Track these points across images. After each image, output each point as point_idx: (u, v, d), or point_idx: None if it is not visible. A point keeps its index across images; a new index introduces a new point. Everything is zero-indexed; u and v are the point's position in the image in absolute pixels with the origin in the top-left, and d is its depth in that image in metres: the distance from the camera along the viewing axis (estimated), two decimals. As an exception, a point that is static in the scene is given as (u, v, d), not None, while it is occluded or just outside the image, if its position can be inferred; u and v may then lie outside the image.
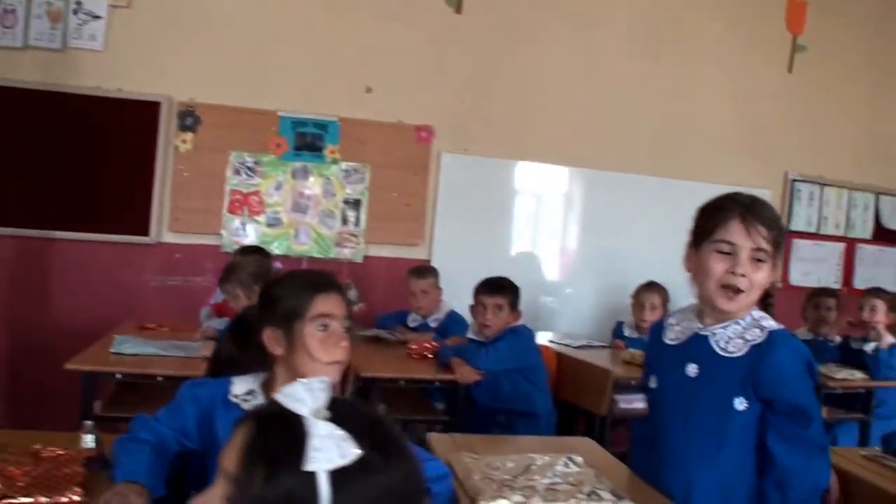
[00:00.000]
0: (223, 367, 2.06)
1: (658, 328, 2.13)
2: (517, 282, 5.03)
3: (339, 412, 0.94)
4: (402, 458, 0.95)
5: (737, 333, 1.90)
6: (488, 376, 3.56)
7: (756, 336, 1.88)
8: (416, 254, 5.05)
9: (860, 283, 6.00)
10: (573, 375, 4.07)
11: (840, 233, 6.21)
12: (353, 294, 4.85)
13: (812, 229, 6.10)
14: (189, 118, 4.66)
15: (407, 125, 5.01)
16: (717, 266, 1.86)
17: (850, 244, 6.24)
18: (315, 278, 1.88)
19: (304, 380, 0.97)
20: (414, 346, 3.82)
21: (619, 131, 5.48)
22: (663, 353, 2.07)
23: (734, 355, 1.89)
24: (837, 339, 4.72)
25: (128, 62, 4.60)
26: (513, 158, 5.23)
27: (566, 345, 4.56)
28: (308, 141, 4.83)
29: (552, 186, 5.43)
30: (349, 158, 4.91)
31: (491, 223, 5.23)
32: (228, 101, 4.72)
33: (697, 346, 1.96)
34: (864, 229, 6.29)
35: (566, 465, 2.11)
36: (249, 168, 4.75)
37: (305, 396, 0.95)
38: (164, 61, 4.65)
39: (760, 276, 1.84)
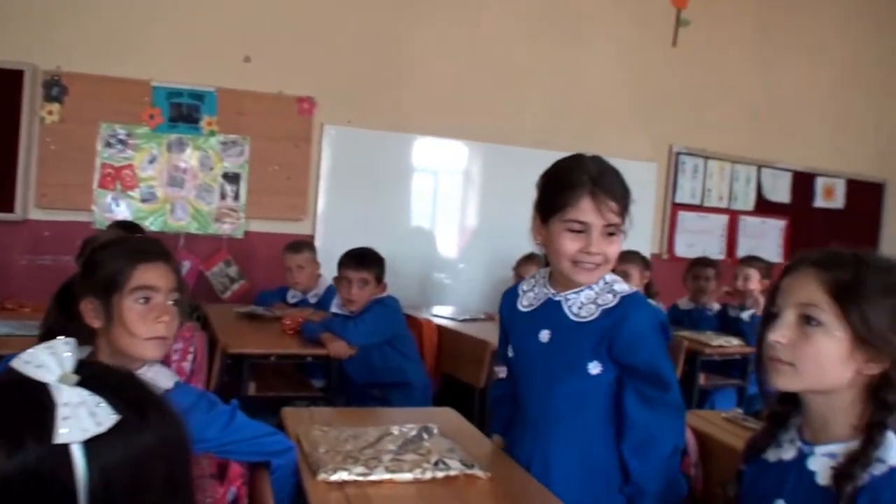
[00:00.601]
0: (50, 338, 1.94)
1: (512, 295, 2.09)
2: (409, 258, 5.02)
3: (88, 375, 0.85)
4: (160, 413, 0.88)
5: (589, 299, 1.87)
6: (359, 350, 3.49)
7: (608, 301, 1.85)
8: (298, 229, 4.93)
9: (743, 253, 6.11)
10: (454, 349, 4.03)
11: (723, 205, 6.35)
12: (233, 270, 4.73)
13: (696, 201, 6.22)
14: (55, 88, 4.43)
15: (288, 96, 4.87)
16: (570, 245, 1.81)
17: (734, 216, 6.39)
18: (139, 245, 1.76)
19: (47, 343, 0.88)
20: (287, 322, 3.71)
21: (509, 105, 5.46)
22: (517, 319, 2.04)
23: (586, 320, 1.85)
24: (716, 307, 4.82)
25: (-14, 28, 4.35)
26: (398, 131, 5.15)
27: (451, 318, 4.52)
28: (184, 112, 4.65)
29: (441, 160, 5.38)
30: (227, 130, 4.75)
31: (377, 197, 5.13)
32: (98, 70, 4.49)
33: (550, 311, 1.92)
34: (747, 201, 6.44)
35: (420, 436, 2.05)
36: (121, 140, 4.55)
37: (49, 361, 0.86)
38: (28, 27, 4.41)
39: (613, 249, 1.83)
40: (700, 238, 6.19)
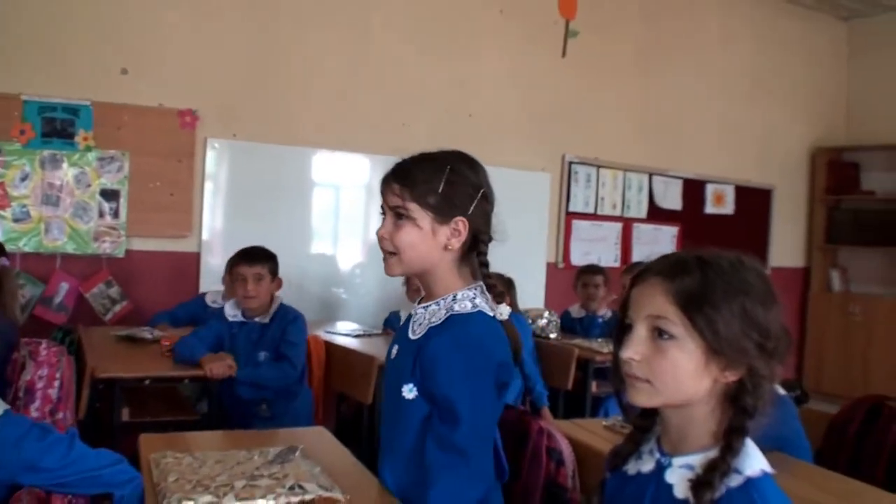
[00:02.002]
0: None
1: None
2: (305, 274, 4.93)
3: None
4: None
5: (430, 314, 1.75)
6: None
7: (439, 318, 1.73)
8: (183, 246, 4.78)
9: (638, 260, 6.23)
10: (343, 365, 3.95)
11: (617, 213, 6.43)
12: (114, 291, 4.55)
13: (590, 210, 6.28)
14: (-86, 102, 4.19)
15: (169, 109, 4.70)
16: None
17: (627, 223, 6.48)
18: None
19: None
20: (166, 343, 3.57)
21: (401, 118, 5.41)
22: (394, 338, 1.98)
23: (416, 337, 1.74)
24: (607, 314, 4.86)
25: None
26: (286, 144, 5.03)
27: (343, 334, 4.44)
28: (57, 127, 4.45)
29: (333, 172, 5.29)
30: (105, 146, 4.55)
31: (267, 212, 5.00)
32: (-38, 85, 4.27)
33: (406, 326, 1.84)
34: (640, 209, 6.55)
35: (281, 459, 1.97)
36: (-11, 157, 4.33)
37: None
38: None
39: (403, 236, 1.72)
40: (595, 246, 6.25)
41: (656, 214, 6.61)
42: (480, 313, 1.73)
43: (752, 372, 1.24)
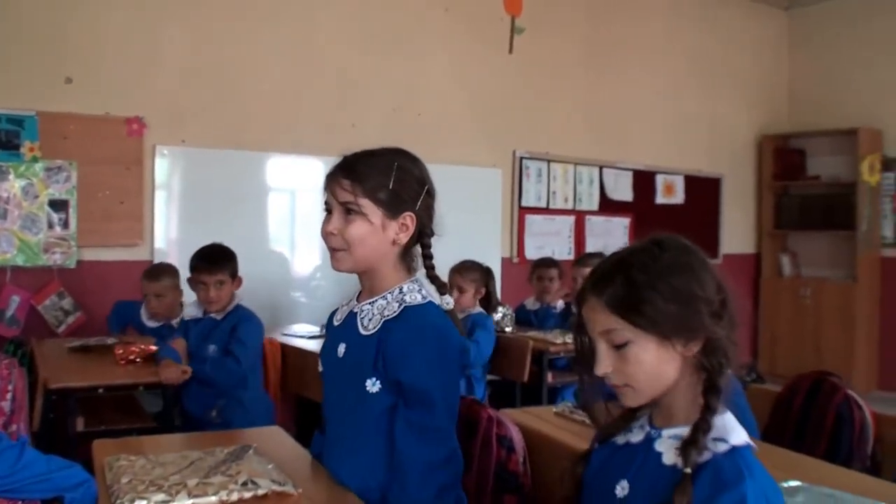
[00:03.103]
0: None
1: (333, 311, 2.04)
2: (261, 278, 4.94)
3: None
4: None
5: (379, 310, 1.80)
6: (193, 373, 3.39)
7: (393, 311, 1.78)
8: (136, 254, 4.75)
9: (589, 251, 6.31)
10: (299, 367, 3.96)
11: (569, 206, 6.51)
12: (67, 303, 4.52)
13: (542, 204, 6.35)
14: None
15: (116, 117, 4.68)
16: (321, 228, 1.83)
17: (580, 216, 6.56)
18: None
19: None
20: (119, 351, 3.55)
21: (347, 117, 5.42)
22: (329, 335, 2.00)
23: (370, 332, 1.78)
24: (561, 305, 4.93)
25: None
26: (235, 148, 5.01)
27: (298, 336, 4.45)
28: (2, 138, 4.40)
29: (285, 176, 5.30)
30: (51, 156, 4.51)
31: (221, 217, 4.97)
32: None
33: (350, 325, 1.86)
34: (591, 201, 6.63)
35: (234, 457, 1.99)
36: (-67, 172, 4.27)
37: None
38: None
39: (354, 230, 1.76)
40: (548, 240, 6.32)
41: (608, 206, 6.70)
42: (431, 303, 1.80)
43: (709, 336, 1.33)
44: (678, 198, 7.15)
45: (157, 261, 4.74)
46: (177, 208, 4.92)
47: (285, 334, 4.47)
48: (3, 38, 4.40)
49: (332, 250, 1.83)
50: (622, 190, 6.78)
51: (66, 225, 4.56)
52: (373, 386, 1.75)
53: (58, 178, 4.54)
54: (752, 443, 1.33)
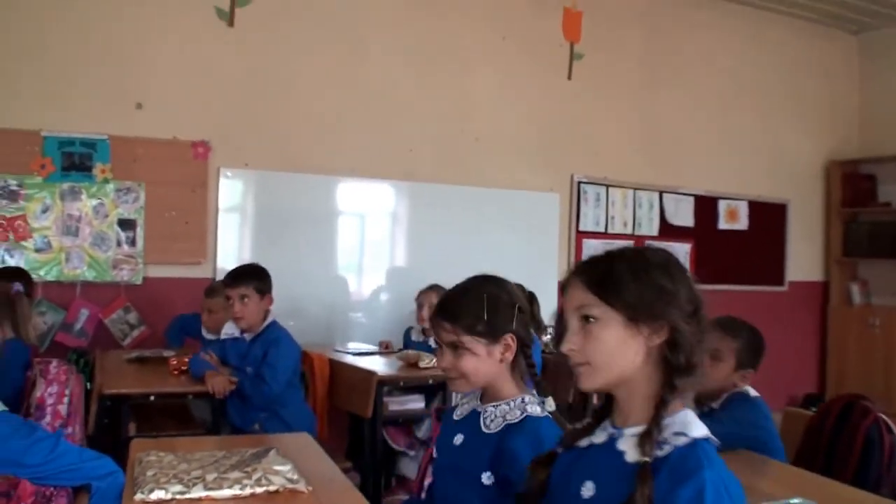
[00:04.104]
0: None
1: (454, 407, 2.16)
2: (316, 298, 5.07)
3: None
4: None
5: (502, 413, 1.93)
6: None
7: (515, 417, 1.91)
8: (199, 273, 4.95)
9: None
10: (345, 381, 4.07)
11: (628, 231, 6.50)
12: (132, 317, 4.73)
13: (600, 229, 6.36)
14: (-59, 140, 4.43)
15: (182, 141, 4.91)
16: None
17: (639, 241, 6.52)
18: None
19: None
20: (173, 362, 3.73)
21: (407, 143, 5.56)
22: (446, 426, 2.11)
23: (491, 431, 1.92)
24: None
25: None
26: (294, 171, 5.20)
27: (348, 352, 4.57)
28: (76, 161, 4.66)
29: (342, 199, 5.45)
30: (122, 177, 4.76)
31: (280, 238, 5.17)
32: (-14, 122, 4.51)
33: (471, 421, 2.00)
34: (651, 226, 6.61)
35: (256, 457, 2.09)
36: (12, 191, 4.54)
37: None
38: (-89, 81, 4.42)
39: (465, 365, 1.93)
40: (606, 264, 6.30)
41: (668, 231, 6.67)
42: (548, 418, 1.93)
43: (675, 330, 1.39)
44: (742, 224, 7.07)
45: (219, 279, 4.93)
46: (239, 229, 5.11)
47: (337, 350, 4.58)
48: (79, 66, 4.67)
49: (450, 381, 2.02)
50: (683, 215, 6.74)
51: (133, 243, 4.79)
52: (488, 479, 1.88)
53: (127, 198, 4.78)
54: (713, 438, 1.37)
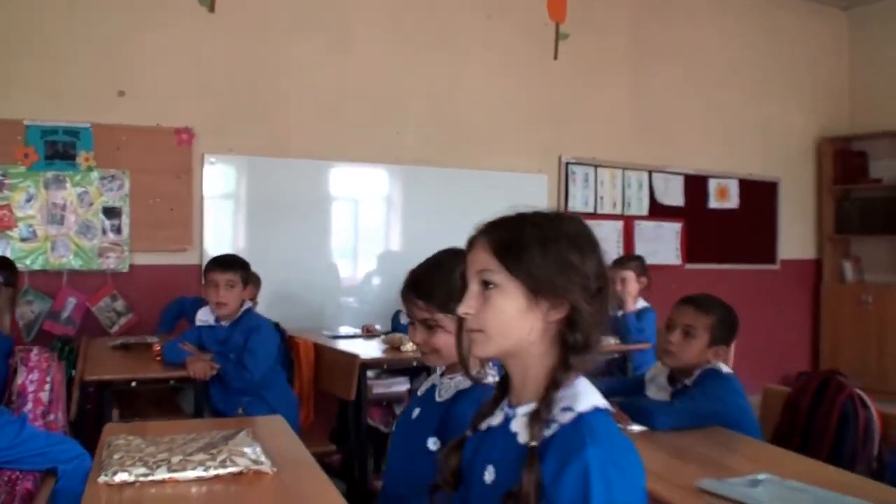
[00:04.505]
0: None
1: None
2: (303, 284, 5.08)
3: None
4: None
5: (456, 383, 1.93)
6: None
7: (467, 384, 1.89)
8: (185, 259, 4.95)
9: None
10: (329, 365, 4.08)
11: (617, 211, 6.49)
12: (119, 304, 4.74)
13: (589, 209, 6.34)
14: (-77, 131, 4.43)
15: (166, 128, 4.90)
16: None
17: (629, 221, 6.54)
18: None
19: None
20: (156, 348, 3.74)
21: (391, 124, 5.55)
22: (409, 404, 2.12)
23: (443, 400, 1.92)
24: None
25: None
26: (280, 156, 5.19)
27: (339, 336, 4.58)
28: (59, 149, 4.66)
29: (328, 183, 5.44)
30: (106, 165, 4.75)
31: (267, 224, 5.17)
32: (-33, 112, 4.50)
33: (428, 393, 2.01)
34: (641, 206, 6.60)
35: (225, 440, 2.09)
36: (-4, 181, 4.55)
37: None
38: None
39: (437, 342, 1.91)
40: (596, 245, 6.28)
41: (658, 211, 6.66)
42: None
43: (575, 309, 1.34)
44: (732, 202, 7.06)
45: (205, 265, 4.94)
46: (224, 215, 5.11)
47: (324, 334, 4.59)
48: (60, 54, 4.66)
49: (423, 355, 2.01)
50: (673, 194, 6.74)
51: (119, 231, 4.79)
52: (433, 445, 1.86)
53: (111, 186, 4.78)
54: (604, 406, 1.33)
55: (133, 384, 3.44)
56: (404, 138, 5.57)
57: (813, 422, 2.79)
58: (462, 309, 1.40)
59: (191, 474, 1.85)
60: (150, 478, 1.82)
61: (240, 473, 1.89)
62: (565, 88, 6.19)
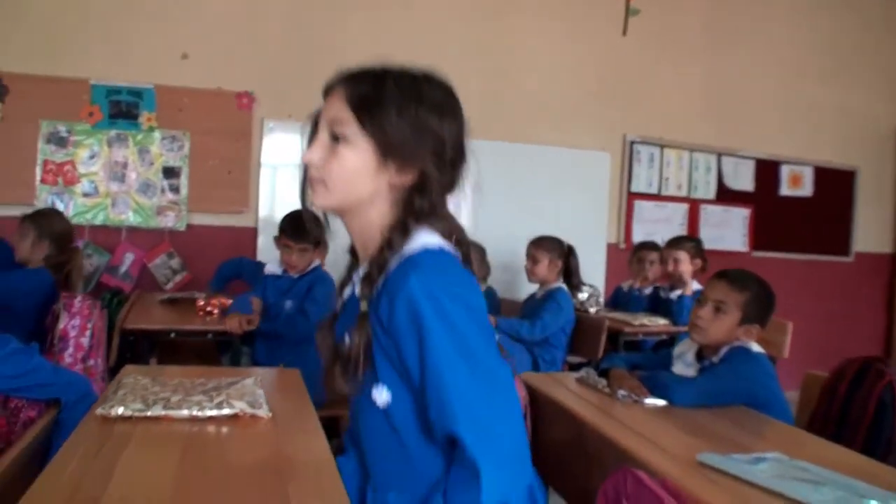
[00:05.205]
0: None
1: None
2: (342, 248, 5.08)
3: None
4: None
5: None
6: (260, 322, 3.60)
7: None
8: (241, 221, 5.04)
9: (706, 242, 5.97)
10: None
11: (683, 193, 6.34)
12: (175, 262, 4.84)
13: (653, 191, 6.22)
14: (-4, 88, 4.60)
15: (227, 91, 4.98)
16: None
17: (694, 204, 6.37)
18: None
19: None
20: (200, 303, 3.82)
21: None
22: None
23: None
24: (650, 289, 4.84)
25: (-72, 31, 4.53)
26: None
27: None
28: (123, 109, 4.78)
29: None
30: (167, 126, 4.87)
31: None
32: (37, 70, 4.63)
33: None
34: (708, 189, 6.43)
35: (230, 385, 2.12)
36: (62, 138, 4.69)
37: None
38: (-32, 31, 4.58)
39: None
40: (658, 227, 6.17)
41: (726, 196, 6.48)
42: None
43: (424, 175, 1.32)
44: (806, 190, 6.81)
45: (260, 228, 5.02)
46: (281, 179, 5.16)
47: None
48: (126, 16, 4.78)
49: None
50: (742, 179, 6.54)
51: (177, 191, 4.90)
52: None
53: (172, 146, 4.88)
54: (437, 246, 1.30)
55: (172, 335, 3.52)
56: (465, 111, 5.51)
57: (849, 409, 2.67)
58: (306, 156, 1.37)
59: (185, 413, 1.87)
60: (146, 413, 1.85)
61: (235, 416, 1.90)
62: (633, 66, 6.05)
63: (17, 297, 3.40)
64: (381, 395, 1.33)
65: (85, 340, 3.24)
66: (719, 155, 6.43)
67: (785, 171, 6.71)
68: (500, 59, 5.65)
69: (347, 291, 1.46)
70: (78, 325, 3.24)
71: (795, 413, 2.85)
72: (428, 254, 1.30)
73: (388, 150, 1.31)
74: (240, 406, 1.93)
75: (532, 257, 4.33)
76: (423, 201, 1.32)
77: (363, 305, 1.29)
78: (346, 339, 1.36)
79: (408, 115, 1.31)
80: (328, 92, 1.39)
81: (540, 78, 5.76)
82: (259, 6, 5.04)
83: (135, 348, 3.45)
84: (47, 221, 3.68)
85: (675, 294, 4.55)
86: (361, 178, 1.33)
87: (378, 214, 1.36)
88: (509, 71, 5.67)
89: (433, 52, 5.38)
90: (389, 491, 1.41)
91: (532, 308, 4.35)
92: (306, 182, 1.42)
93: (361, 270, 1.37)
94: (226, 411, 1.90)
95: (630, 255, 5.13)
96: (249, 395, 2.02)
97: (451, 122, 1.36)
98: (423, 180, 1.33)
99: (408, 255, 1.30)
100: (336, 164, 1.33)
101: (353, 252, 1.49)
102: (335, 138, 1.34)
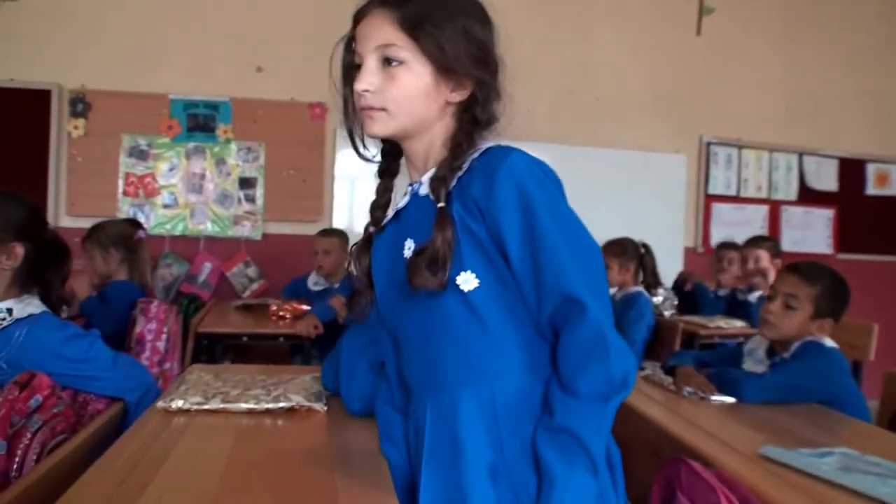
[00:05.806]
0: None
1: None
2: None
3: None
4: None
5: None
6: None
7: None
8: (315, 230, 5.05)
9: (788, 244, 5.95)
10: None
11: (762, 195, 6.18)
12: (252, 271, 4.95)
13: (732, 192, 6.08)
14: (80, 104, 4.79)
15: (300, 103, 5.08)
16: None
17: (775, 206, 6.21)
18: None
19: None
20: (273, 308, 3.90)
21: (524, 103, 5.44)
22: None
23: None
24: (727, 291, 4.73)
25: (17, 53, 4.75)
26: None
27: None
28: (200, 122, 4.93)
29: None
30: (243, 138, 5.00)
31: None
32: (118, 86, 4.83)
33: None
34: (789, 191, 6.26)
35: (288, 381, 2.15)
36: (142, 151, 4.86)
37: None
38: (54, 50, 4.79)
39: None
40: (738, 230, 6.01)
41: (808, 196, 6.29)
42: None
43: (481, 86, 1.34)
44: (894, 189, 6.56)
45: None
46: (354, 188, 5.23)
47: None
48: (202, 32, 4.93)
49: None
50: (826, 179, 6.34)
51: (253, 200, 5.02)
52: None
53: (248, 157, 5.01)
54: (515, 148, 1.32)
55: (244, 339, 3.60)
56: (536, 115, 5.51)
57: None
58: (361, 85, 1.34)
59: (243, 406, 1.90)
60: (204, 406, 1.88)
61: (292, 409, 1.93)
62: (708, 65, 5.94)
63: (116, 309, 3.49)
64: (468, 282, 1.31)
65: (161, 344, 3.33)
66: (800, 154, 6.25)
67: (871, 170, 6.48)
68: (572, 62, 5.62)
69: (400, 204, 1.47)
70: (154, 329, 3.33)
71: (876, 412, 2.74)
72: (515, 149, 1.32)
73: (446, 68, 1.31)
74: (296, 399, 1.95)
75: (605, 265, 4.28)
76: (482, 112, 1.35)
77: (439, 204, 1.29)
78: (409, 245, 1.38)
79: (460, 30, 1.32)
80: (363, 15, 1.37)
81: (612, 79, 5.71)
82: (329, 19, 5.10)
83: (208, 352, 3.53)
84: (102, 232, 3.74)
85: (752, 296, 4.43)
86: (424, 100, 1.33)
87: (441, 131, 1.38)
88: (581, 74, 5.64)
89: (505, 58, 5.41)
90: (462, 387, 1.37)
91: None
92: (352, 113, 1.45)
93: (426, 177, 1.37)
94: (282, 404, 1.92)
95: (712, 256, 5.02)
96: (307, 389, 2.04)
97: (490, 29, 1.39)
98: (480, 90, 1.35)
99: (492, 145, 1.33)
100: (395, 89, 1.32)
101: (383, 173, 1.55)
102: (388, 63, 1.33)
